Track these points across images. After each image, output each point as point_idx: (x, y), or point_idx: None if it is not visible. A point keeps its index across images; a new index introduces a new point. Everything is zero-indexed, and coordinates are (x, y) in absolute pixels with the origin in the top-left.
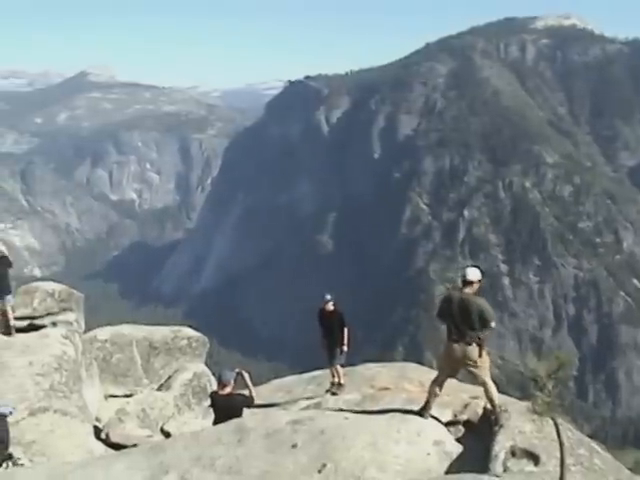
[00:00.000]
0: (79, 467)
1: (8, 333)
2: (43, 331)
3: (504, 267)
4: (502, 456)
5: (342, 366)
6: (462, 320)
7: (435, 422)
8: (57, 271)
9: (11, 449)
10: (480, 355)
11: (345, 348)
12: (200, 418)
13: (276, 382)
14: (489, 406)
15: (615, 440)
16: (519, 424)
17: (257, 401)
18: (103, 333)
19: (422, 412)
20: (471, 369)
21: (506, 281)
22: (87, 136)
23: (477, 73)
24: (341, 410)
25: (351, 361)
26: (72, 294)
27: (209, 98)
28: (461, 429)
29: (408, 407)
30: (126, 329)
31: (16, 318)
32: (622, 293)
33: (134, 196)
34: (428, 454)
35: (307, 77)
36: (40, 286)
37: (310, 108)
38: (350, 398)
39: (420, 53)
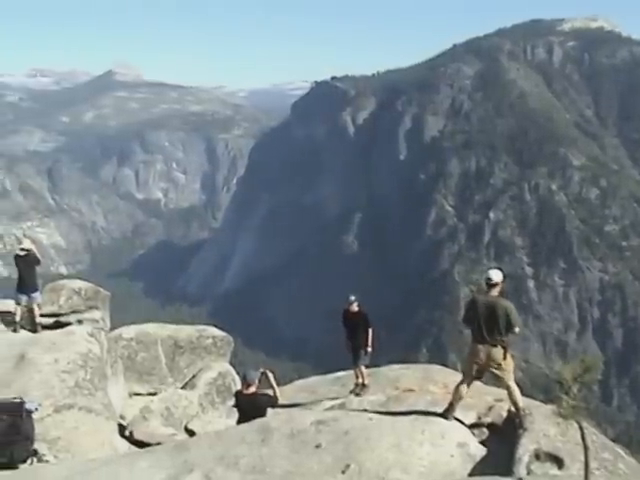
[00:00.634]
0: (103, 464)
1: (34, 330)
2: (69, 328)
3: (529, 270)
4: (526, 459)
5: (366, 367)
6: (488, 323)
7: (459, 424)
8: (83, 269)
9: (36, 445)
10: (504, 357)
11: (369, 349)
12: (224, 417)
13: (300, 382)
14: (513, 409)
15: (639, 444)
16: (543, 427)
17: (281, 401)
18: (128, 331)
19: (446, 414)
20: (495, 371)
21: (531, 284)
22: (113, 135)
23: (504, 75)
24: (365, 411)
25: (375, 362)
26: (98, 292)
27: (235, 98)
28: (485, 432)
29: (432, 409)
30: (151, 328)
31: (42, 315)
32: None
33: (160, 195)
34: (452, 456)
35: (333, 78)
36: (66, 284)
37: (336, 109)
38: (374, 399)
39: (447, 54)
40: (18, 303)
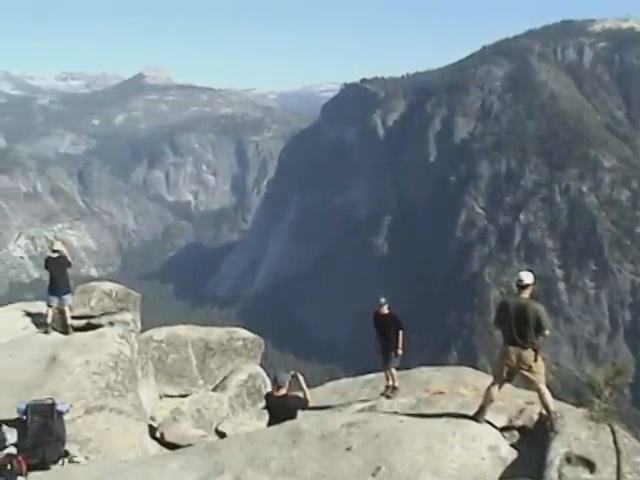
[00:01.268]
0: (134, 465)
1: (65, 332)
2: (100, 330)
3: (560, 272)
4: (557, 463)
5: (397, 369)
6: (518, 325)
7: (490, 427)
8: (113, 271)
9: (67, 446)
10: (536, 360)
11: (400, 351)
12: (254, 419)
13: (330, 384)
14: (544, 412)
15: None
16: (575, 430)
17: (312, 403)
18: (159, 333)
19: (477, 417)
20: (526, 374)
21: (562, 286)
22: (144, 138)
23: (534, 76)
24: (396, 413)
25: (406, 364)
26: (129, 294)
27: (265, 100)
28: (516, 435)
29: (463, 411)
30: (182, 330)
31: (74, 317)
32: None
33: (190, 197)
34: (483, 459)
35: (363, 80)
36: (97, 286)
37: (366, 111)
38: (405, 401)
39: (476, 56)
40: (49, 305)
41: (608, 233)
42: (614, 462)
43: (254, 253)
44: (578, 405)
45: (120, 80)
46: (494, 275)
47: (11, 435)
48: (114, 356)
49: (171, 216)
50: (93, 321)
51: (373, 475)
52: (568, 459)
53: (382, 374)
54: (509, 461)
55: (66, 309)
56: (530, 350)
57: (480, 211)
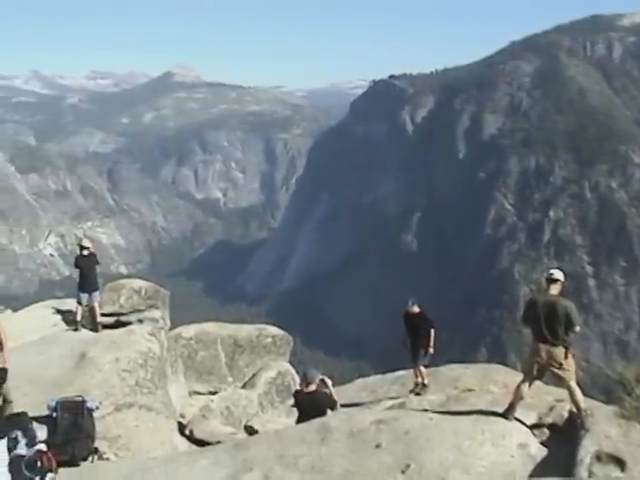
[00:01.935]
0: (163, 462)
1: (95, 329)
2: (129, 328)
3: (590, 269)
4: (587, 461)
5: (425, 367)
6: (548, 322)
7: (520, 425)
8: (142, 269)
9: (97, 443)
10: (566, 357)
11: (431, 350)
12: (283, 416)
13: (360, 382)
14: (574, 409)
15: None
16: (605, 428)
17: (341, 400)
18: (188, 331)
19: (507, 414)
20: (556, 371)
21: (592, 283)
22: (173, 135)
23: (563, 72)
24: (425, 411)
25: (435, 362)
26: (158, 291)
27: (294, 98)
28: (546, 432)
29: (492, 409)
30: (211, 327)
31: (103, 314)
32: None
33: (219, 195)
34: (512, 457)
35: (392, 76)
36: (127, 283)
37: (395, 107)
38: (434, 399)
39: (505, 52)
40: (79, 302)
41: (638, 229)
42: None
43: (283, 250)
44: (608, 402)
45: (149, 78)
46: (523, 272)
47: (41, 432)
48: (143, 353)
49: (200, 214)
50: (122, 318)
51: (402, 472)
52: (598, 457)
53: (411, 371)
54: (539, 459)
55: (96, 306)
56: (560, 347)
57: (509, 208)
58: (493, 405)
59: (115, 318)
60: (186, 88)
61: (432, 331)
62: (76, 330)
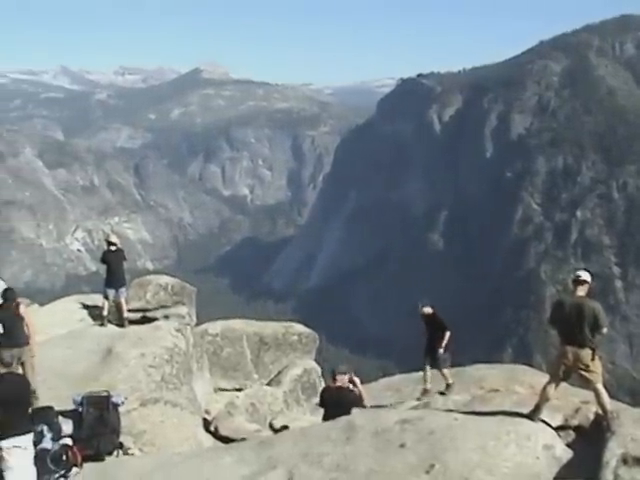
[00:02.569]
0: (188, 458)
1: (121, 324)
2: (155, 323)
3: (617, 270)
4: (613, 463)
5: (450, 367)
6: (575, 324)
7: (545, 426)
8: (169, 265)
9: (122, 438)
10: (593, 359)
11: (441, 351)
12: (309, 414)
13: (384, 381)
14: (601, 411)
15: None
16: (631, 431)
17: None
18: (214, 327)
19: (532, 415)
20: (583, 373)
21: (619, 284)
22: (200, 132)
23: (592, 71)
24: (450, 411)
25: (460, 362)
26: (185, 288)
27: (322, 95)
28: (571, 434)
29: (518, 410)
30: (237, 324)
31: (129, 310)
32: None
33: (246, 192)
34: (537, 458)
35: (419, 75)
36: (153, 279)
37: (422, 106)
38: (459, 399)
39: (534, 51)
40: (106, 297)
41: None
42: None
43: (310, 248)
44: (634, 405)
45: (177, 75)
46: (550, 272)
47: (67, 426)
48: (169, 349)
49: (227, 210)
50: (149, 314)
51: (427, 472)
52: (624, 460)
53: (437, 371)
54: (564, 461)
55: (122, 302)
56: (587, 349)
57: (536, 207)
58: (518, 406)
59: (141, 314)
60: (214, 85)
61: (447, 334)
62: (103, 325)
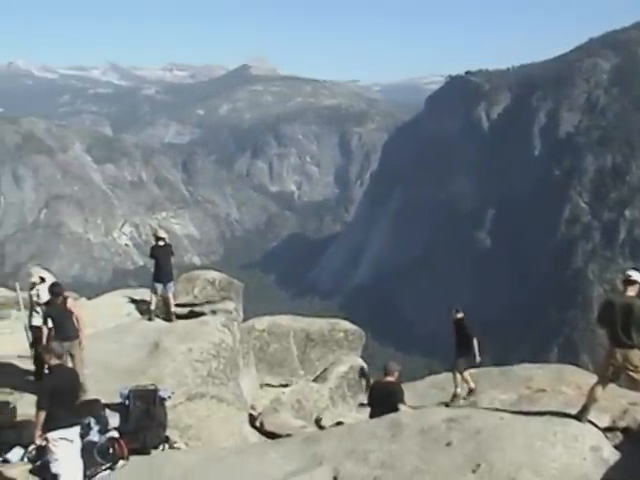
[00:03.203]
0: (233, 453)
1: (169, 319)
2: (203, 318)
3: None
4: None
5: (474, 367)
6: (624, 324)
7: (593, 427)
8: (216, 260)
9: (168, 432)
10: None
11: (478, 358)
12: (354, 411)
13: (430, 379)
14: None
15: None
16: None
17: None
18: (261, 323)
19: (580, 416)
20: (631, 374)
21: None
22: (248, 128)
23: None
24: (497, 410)
25: (507, 361)
26: (232, 283)
27: (369, 92)
28: (619, 436)
29: (565, 410)
30: (284, 320)
31: (177, 305)
32: None
33: (293, 188)
34: (584, 459)
35: (468, 72)
36: (201, 274)
37: (470, 103)
38: (506, 398)
39: (583, 48)
40: (154, 292)
41: None
42: None
43: (356, 245)
44: None
45: (225, 71)
46: (598, 272)
47: (113, 419)
48: (216, 344)
49: (274, 206)
50: (196, 309)
51: (473, 472)
52: None
53: (484, 370)
54: (611, 462)
55: (170, 297)
56: (636, 350)
57: (584, 206)
58: (566, 406)
59: (189, 309)
60: (262, 81)
61: (475, 340)
62: (150, 320)
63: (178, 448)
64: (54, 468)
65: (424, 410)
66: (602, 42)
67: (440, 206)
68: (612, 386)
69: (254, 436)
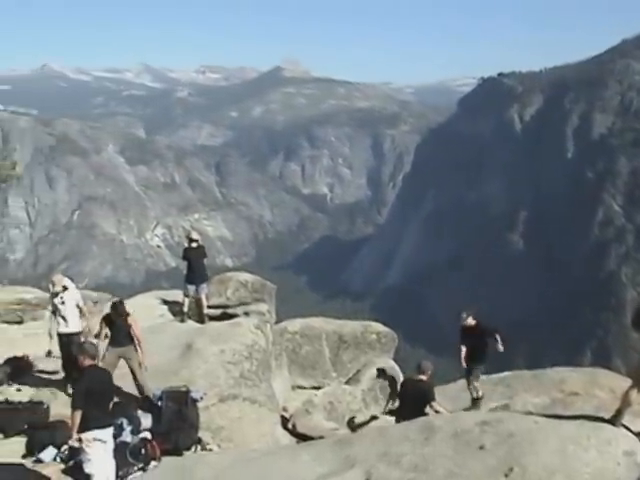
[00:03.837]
0: (265, 455)
1: (201, 321)
2: (235, 320)
3: None
4: None
5: (481, 374)
6: None
7: (626, 432)
8: (248, 262)
9: (200, 433)
10: None
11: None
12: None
13: (462, 382)
14: None
15: None
16: None
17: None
18: (293, 325)
19: (613, 420)
20: None
21: None
22: (281, 130)
23: None
24: (530, 413)
25: (539, 364)
26: (265, 285)
27: (402, 94)
28: None
29: (599, 414)
30: (316, 322)
31: (210, 306)
32: None
33: (326, 190)
34: (618, 464)
35: (500, 74)
36: (234, 276)
37: (503, 106)
38: (539, 401)
39: (616, 50)
40: (186, 294)
41: None
42: None
43: (388, 247)
44: None
45: (258, 74)
46: (631, 275)
47: (146, 420)
48: (249, 346)
49: (306, 208)
50: (229, 311)
51: (506, 476)
52: None
53: (516, 373)
54: None
55: (203, 298)
56: None
57: (618, 209)
58: (599, 410)
59: (221, 310)
60: (295, 83)
61: (498, 337)
62: (182, 321)
63: (210, 449)
64: (87, 468)
65: (457, 413)
66: (635, 43)
67: (472, 208)
68: None
69: (286, 438)
